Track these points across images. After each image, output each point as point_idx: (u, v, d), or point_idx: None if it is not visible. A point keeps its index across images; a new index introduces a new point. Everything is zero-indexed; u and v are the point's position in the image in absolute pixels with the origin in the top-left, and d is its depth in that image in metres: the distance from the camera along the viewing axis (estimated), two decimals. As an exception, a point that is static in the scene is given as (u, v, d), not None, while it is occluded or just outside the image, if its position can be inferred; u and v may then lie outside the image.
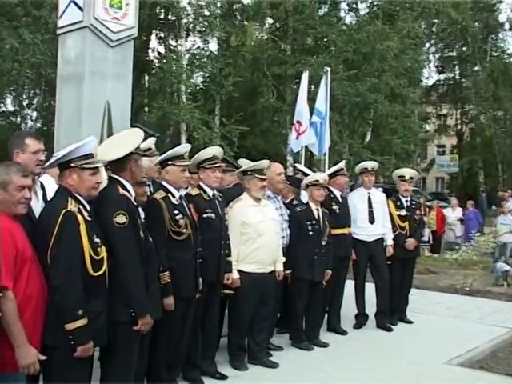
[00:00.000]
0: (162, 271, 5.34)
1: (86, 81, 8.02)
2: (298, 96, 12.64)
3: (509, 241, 16.00)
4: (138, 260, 4.64)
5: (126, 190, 4.80)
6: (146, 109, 28.76)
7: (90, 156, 4.40)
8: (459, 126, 44.19)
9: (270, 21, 29.90)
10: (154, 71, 28.66)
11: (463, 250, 15.25)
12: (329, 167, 11.17)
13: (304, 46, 27.55)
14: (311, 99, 13.38)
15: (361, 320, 9.13)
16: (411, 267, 9.62)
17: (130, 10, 8.39)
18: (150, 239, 5.04)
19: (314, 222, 7.79)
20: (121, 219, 4.57)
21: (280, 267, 7.18)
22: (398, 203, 9.41)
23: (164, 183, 5.83)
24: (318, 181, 7.92)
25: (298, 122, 12.15)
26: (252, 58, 26.84)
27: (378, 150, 26.24)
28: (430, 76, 40.66)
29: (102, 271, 4.30)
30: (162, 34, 29.50)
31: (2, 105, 29.12)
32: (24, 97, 29.40)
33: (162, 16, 28.19)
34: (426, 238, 18.41)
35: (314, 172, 9.37)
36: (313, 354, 7.68)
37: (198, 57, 26.54)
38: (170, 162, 5.79)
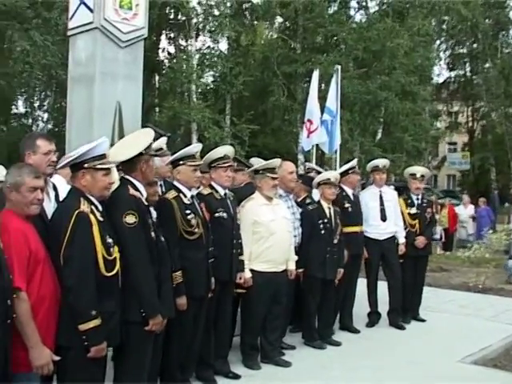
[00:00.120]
0: (174, 271, 5.35)
1: (96, 82, 8.03)
2: (309, 95, 12.59)
3: (522, 238, 15.91)
4: (148, 260, 4.64)
5: (137, 190, 4.81)
6: (157, 109, 28.77)
7: (103, 157, 4.43)
8: (470, 124, 43.99)
9: (279, 20, 29.84)
10: (164, 71, 28.69)
11: (475, 247, 15.18)
12: (340, 165, 11.14)
13: (314, 45, 27.48)
14: (322, 98, 13.33)
15: (373, 318, 9.12)
16: (423, 265, 9.59)
17: (140, 11, 8.40)
18: (162, 239, 5.05)
19: (325, 220, 7.79)
20: (130, 219, 4.58)
21: (292, 266, 7.18)
22: (409, 201, 9.39)
23: (175, 183, 5.84)
24: (329, 179, 7.92)
25: (309, 120, 12.11)
26: (262, 57, 26.81)
27: (389, 148, 26.15)
28: (441, 73, 40.65)
29: (114, 271, 4.31)
30: (172, 34, 29.52)
31: (13, 107, 29.25)
32: (35, 98, 29.51)
33: (171, 16, 28.20)
34: (438, 236, 18.38)
35: (326, 170, 9.36)
36: (325, 353, 7.67)
37: (208, 56, 26.50)
38: (181, 162, 5.80)
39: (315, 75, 12.73)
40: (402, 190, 10.43)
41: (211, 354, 6.31)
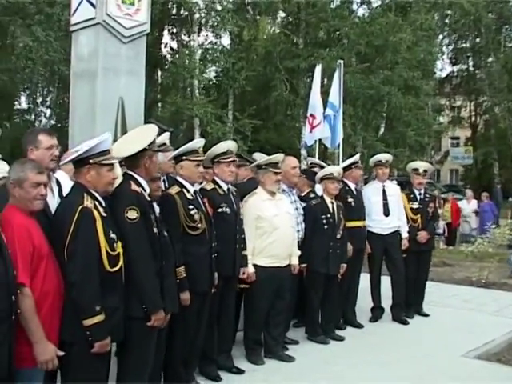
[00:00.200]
0: (177, 266, 5.35)
1: (99, 77, 8.02)
2: (312, 90, 12.60)
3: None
4: (150, 256, 4.64)
5: (140, 185, 4.80)
6: (160, 104, 28.83)
7: (107, 152, 4.43)
8: (473, 118, 43.97)
9: (282, 14, 29.86)
10: (166, 67, 28.74)
11: (479, 242, 15.13)
12: (343, 160, 11.15)
13: (316, 40, 27.47)
14: (324, 92, 13.34)
15: (377, 313, 9.12)
16: (426, 260, 9.56)
17: (143, 6, 8.38)
18: (166, 234, 5.05)
19: (328, 215, 7.78)
20: (132, 214, 4.57)
21: (295, 261, 7.18)
22: (411, 196, 9.38)
23: (178, 178, 5.83)
24: (332, 174, 7.91)
25: (312, 115, 12.12)
26: (265, 51, 26.80)
27: (391, 143, 26.15)
28: (444, 68, 40.55)
29: (118, 267, 4.31)
30: (175, 30, 29.55)
31: (16, 103, 29.28)
32: (38, 94, 29.55)
33: (174, 11, 28.23)
34: (440, 231, 18.36)
35: (328, 165, 9.36)
36: (329, 348, 7.68)
37: (210, 51, 26.54)
38: (184, 157, 5.78)
39: (318, 70, 12.74)
40: (405, 185, 10.43)
41: (214, 349, 6.32)
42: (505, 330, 8.62)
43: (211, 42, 27.03)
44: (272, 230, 6.77)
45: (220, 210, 6.23)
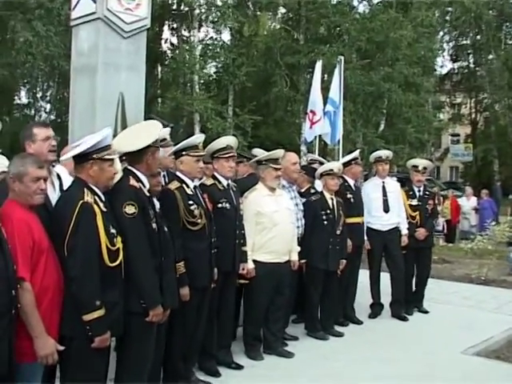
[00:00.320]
0: (177, 261, 5.35)
1: (99, 72, 8.00)
2: (312, 86, 12.60)
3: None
4: (148, 251, 4.63)
5: (139, 181, 4.80)
6: (160, 100, 28.82)
7: (108, 147, 4.43)
8: (473, 115, 43.93)
9: (282, 10, 29.82)
10: (166, 62, 28.72)
11: (478, 239, 15.19)
12: (343, 156, 11.14)
13: (317, 36, 27.40)
14: (325, 89, 13.33)
15: (376, 310, 9.13)
16: (426, 257, 9.55)
17: (143, 1, 8.36)
18: (166, 229, 5.04)
19: (328, 211, 7.78)
20: (130, 210, 4.57)
21: (295, 257, 7.18)
22: (410, 193, 9.39)
23: (178, 173, 5.82)
24: (332, 170, 7.91)
25: (312, 111, 12.12)
26: (265, 47, 26.74)
27: (391, 140, 26.11)
28: (444, 65, 40.47)
29: (118, 262, 4.31)
30: (175, 25, 29.53)
31: (16, 97, 29.28)
32: (38, 89, 29.58)
33: (174, 7, 28.20)
34: (440, 228, 18.37)
35: (328, 161, 9.36)
36: (328, 344, 7.69)
37: (210, 47, 26.52)
38: (184, 153, 5.77)
39: (318, 66, 12.74)
40: (405, 182, 10.43)
41: (214, 344, 6.33)
42: (504, 327, 8.63)
43: (211, 37, 27.05)
44: (272, 226, 6.77)
45: (220, 205, 6.23)
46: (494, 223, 18.02)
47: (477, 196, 21.74)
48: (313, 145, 13.56)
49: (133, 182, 4.73)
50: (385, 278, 9.13)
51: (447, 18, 35.59)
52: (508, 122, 34.20)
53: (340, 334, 8.00)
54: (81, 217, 4.11)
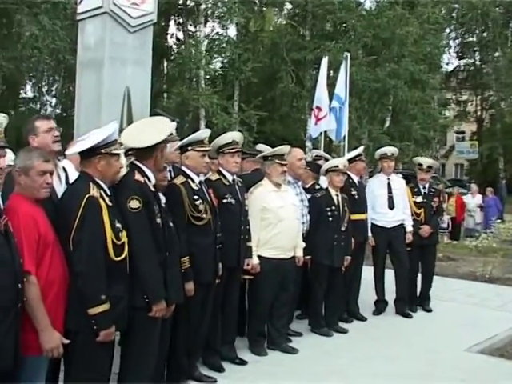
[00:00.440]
0: (182, 256, 5.35)
1: (105, 67, 8.01)
2: (318, 82, 12.58)
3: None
4: (152, 246, 4.63)
5: (145, 175, 4.80)
6: (165, 95, 28.80)
7: (115, 142, 4.44)
8: (479, 112, 43.83)
9: (288, 6, 29.78)
10: (172, 57, 28.72)
11: (483, 236, 15.13)
12: (348, 153, 11.13)
13: (323, 32, 27.38)
14: (330, 85, 13.30)
15: (380, 306, 9.12)
16: (431, 255, 9.50)
17: (150, -4, 8.38)
18: (171, 224, 5.05)
19: (333, 207, 7.78)
20: (134, 204, 4.57)
21: (300, 253, 7.18)
22: (416, 189, 9.36)
23: (184, 168, 5.81)
24: (337, 166, 7.90)
25: (318, 107, 12.10)
26: (271, 43, 26.74)
27: (397, 136, 26.08)
28: (450, 62, 40.34)
29: (123, 256, 4.32)
30: (181, 20, 29.51)
31: (21, 91, 29.32)
32: (43, 83, 29.59)
33: (180, 1, 28.16)
34: (445, 225, 18.35)
35: (333, 158, 9.35)
36: (332, 340, 7.68)
37: (216, 42, 26.51)
38: (189, 148, 5.76)
39: (324, 62, 12.71)
40: (410, 179, 10.41)
41: (218, 339, 6.33)
42: (508, 325, 8.61)
43: (217, 32, 27.03)
44: (277, 222, 6.77)
45: (225, 200, 6.22)
46: (498, 221, 17.99)
47: (482, 194, 21.71)
48: (318, 141, 13.56)
49: (138, 176, 4.73)
50: (389, 275, 9.13)
51: (453, 14, 35.49)
52: (514, 119, 34.15)
53: (344, 331, 8.00)
54: (87, 211, 4.12)
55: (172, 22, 29.72)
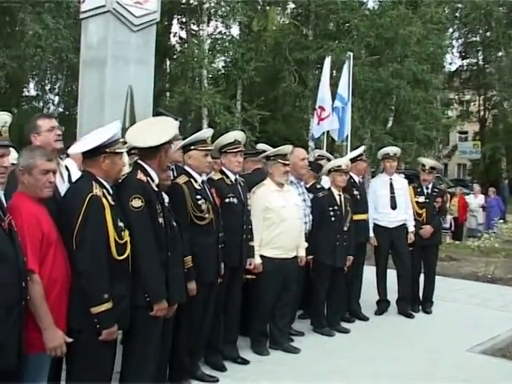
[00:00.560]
0: (184, 256, 5.35)
1: (108, 65, 8.02)
2: (321, 81, 12.58)
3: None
4: (153, 245, 4.64)
5: (148, 175, 4.80)
6: (168, 94, 28.81)
7: (118, 141, 4.44)
8: (482, 113, 43.81)
9: (291, 5, 29.75)
10: (175, 56, 28.74)
11: (485, 237, 15.12)
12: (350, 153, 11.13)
13: (326, 31, 27.36)
14: (333, 84, 13.30)
15: (382, 306, 9.12)
16: (432, 256, 9.46)
17: (153, -5, 8.38)
18: (174, 224, 5.05)
19: (336, 207, 7.78)
20: (136, 203, 4.58)
21: (302, 253, 7.17)
22: (419, 189, 9.36)
23: (186, 168, 5.81)
24: (340, 166, 7.89)
25: (321, 107, 12.10)
26: (274, 42, 26.74)
27: (399, 136, 26.04)
28: (453, 62, 40.30)
29: (125, 255, 4.33)
30: (184, 19, 29.55)
31: (24, 89, 29.35)
32: (46, 82, 29.62)
33: (183, 0, 28.16)
34: (447, 225, 18.34)
35: (336, 158, 9.35)
36: (334, 340, 7.68)
37: (219, 42, 26.49)
38: (192, 147, 5.75)
39: (327, 62, 12.71)
40: (412, 178, 10.40)
41: (220, 339, 6.33)
42: (510, 326, 8.61)
43: (220, 31, 27.01)
44: (279, 222, 6.77)
45: (227, 200, 6.22)
46: (501, 221, 17.98)
47: (484, 194, 21.70)
48: (320, 140, 13.55)
49: (140, 175, 4.74)
50: (391, 275, 9.12)
51: (457, 14, 35.46)
52: (516, 119, 34.12)
53: (346, 331, 8.00)
54: (89, 210, 4.12)
55: (175, 21, 29.77)
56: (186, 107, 26.18)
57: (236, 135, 6.50)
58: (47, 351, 3.95)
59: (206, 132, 6.02)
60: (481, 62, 40.30)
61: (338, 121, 12.11)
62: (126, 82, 8.02)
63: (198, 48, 24.89)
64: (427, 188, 9.34)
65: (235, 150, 6.32)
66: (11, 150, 4.28)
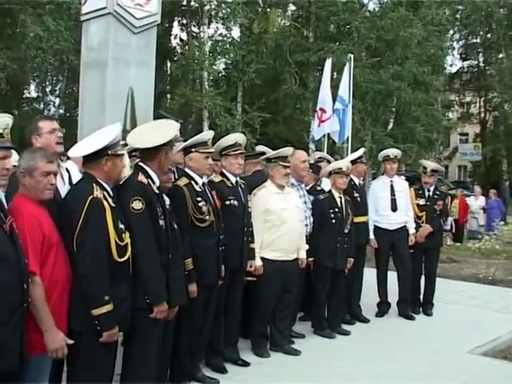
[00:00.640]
0: (185, 258, 5.35)
1: (109, 67, 8.03)
2: (321, 83, 12.57)
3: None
4: (154, 247, 4.64)
5: (149, 177, 4.81)
6: (169, 96, 28.78)
7: (119, 142, 4.45)
8: (482, 114, 43.79)
9: (292, 7, 29.74)
10: (176, 58, 28.71)
11: (486, 238, 15.14)
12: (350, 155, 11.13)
13: (327, 33, 27.33)
14: (334, 86, 13.30)
15: (383, 308, 9.12)
16: (433, 258, 9.47)
17: (154, -3, 8.39)
18: (175, 226, 5.05)
19: (336, 209, 7.78)
20: (137, 205, 4.59)
21: (303, 255, 7.18)
22: (420, 192, 9.36)
23: (187, 170, 5.81)
24: (341, 168, 7.89)
25: (321, 109, 12.10)
26: (274, 44, 26.73)
27: (400, 138, 26.00)
28: (454, 63, 40.50)
29: (126, 257, 4.33)
30: (185, 21, 29.51)
31: (25, 91, 29.36)
32: (47, 83, 29.63)
33: (184, 2, 28.16)
34: (448, 227, 18.34)
35: (336, 160, 9.35)
36: (335, 342, 7.68)
37: (220, 44, 26.45)
38: (193, 149, 5.75)
39: (328, 64, 12.71)
40: (413, 180, 10.39)
41: (221, 341, 6.34)
42: (511, 327, 8.61)
43: (221, 34, 26.96)
44: (280, 224, 6.77)
45: (228, 202, 6.22)
46: (501, 223, 18.00)
47: (485, 196, 21.69)
48: (321, 142, 13.55)
49: (141, 177, 4.75)
50: (392, 277, 9.12)
51: (457, 16, 35.47)
52: (517, 121, 34.11)
53: (347, 333, 8.00)
54: (90, 212, 4.13)
55: (176, 23, 29.72)
56: (187, 109, 26.16)
57: (237, 137, 6.51)
58: (48, 353, 3.95)
59: (207, 134, 6.02)
60: (481, 64, 40.29)
61: (339, 123, 12.10)
62: (126, 84, 8.04)
63: (198, 50, 24.87)
64: (429, 191, 9.33)
65: (236, 153, 6.32)
66: (12, 151, 4.29)
